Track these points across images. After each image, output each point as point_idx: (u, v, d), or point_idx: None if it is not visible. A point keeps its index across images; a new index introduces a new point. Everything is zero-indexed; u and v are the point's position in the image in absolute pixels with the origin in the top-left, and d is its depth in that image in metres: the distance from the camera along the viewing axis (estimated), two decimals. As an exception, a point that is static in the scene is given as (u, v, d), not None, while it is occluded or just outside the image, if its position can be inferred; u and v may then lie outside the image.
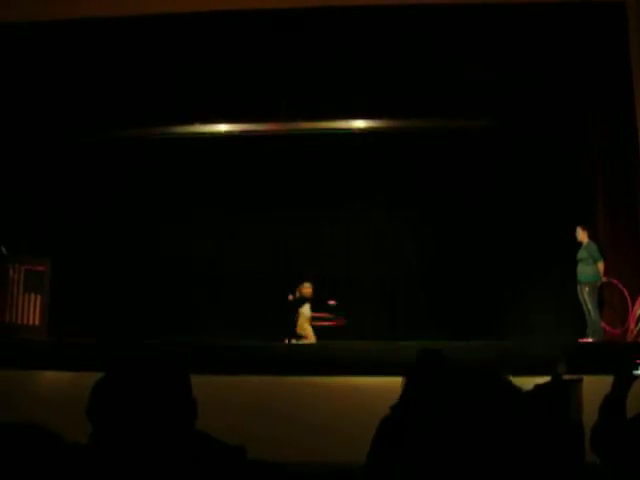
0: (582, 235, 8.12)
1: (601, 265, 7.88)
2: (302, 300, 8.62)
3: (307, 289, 8.66)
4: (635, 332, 7.46)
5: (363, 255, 10.21)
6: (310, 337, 8.52)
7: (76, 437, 1.61)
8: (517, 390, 1.26)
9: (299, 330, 8.52)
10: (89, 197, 10.31)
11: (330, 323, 8.71)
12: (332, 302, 8.69)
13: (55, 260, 8.61)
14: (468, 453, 1.15)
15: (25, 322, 8.15)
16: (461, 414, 1.18)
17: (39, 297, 8.28)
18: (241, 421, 5.38)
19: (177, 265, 10.25)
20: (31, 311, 8.22)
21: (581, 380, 5.17)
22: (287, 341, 8.35)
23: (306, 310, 8.62)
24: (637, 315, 7.44)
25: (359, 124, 9.99)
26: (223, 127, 10.15)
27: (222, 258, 10.43)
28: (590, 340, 7.67)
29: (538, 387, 3.00)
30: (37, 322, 8.23)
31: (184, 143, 10.32)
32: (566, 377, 4.38)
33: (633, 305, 7.65)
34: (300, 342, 8.36)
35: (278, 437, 5.39)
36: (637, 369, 1.90)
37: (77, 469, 1.50)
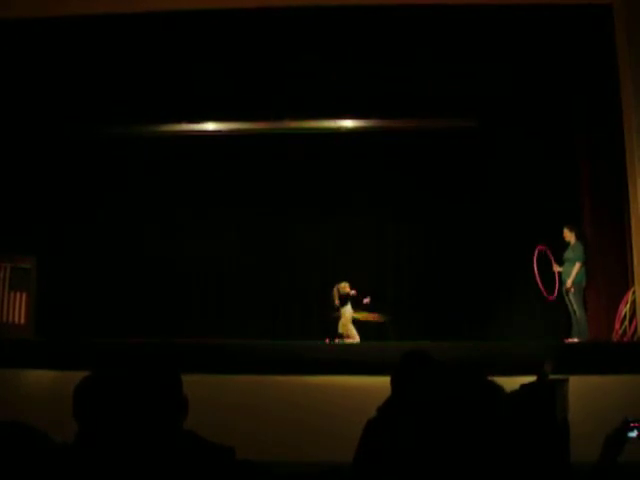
0: (569, 235, 8.17)
1: (578, 265, 7.94)
2: (344, 300, 8.52)
3: (347, 288, 8.56)
4: (620, 332, 7.52)
5: (351, 252, 10.21)
6: (354, 337, 8.40)
7: (63, 436, 1.60)
8: (500, 389, 1.27)
9: (342, 330, 8.41)
10: (78, 195, 10.23)
11: (373, 318, 8.59)
12: (367, 300, 8.59)
13: (42, 258, 8.53)
14: (453, 453, 1.16)
15: (11, 320, 8.08)
16: (445, 414, 1.19)
17: (25, 295, 8.21)
18: (230, 420, 5.37)
19: (165, 264, 10.20)
20: (17, 309, 8.15)
21: (567, 380, 5.21)
22: (330, 341, 8.22)
23: (348, 310, 8.52)
24: (622, 315, 7.49)
25: (348, 124, 9.99)
26: (212, 125, 10.12)
27: (210, 257, 10.39)
28: (576, 340, 7.72)
29: (524, 387, 3.02)
30: (23, 320, 8.17)
31: (171, 142, 10.27)
32: (552, 377, 4.41)
33: (618, 304, 7.70)
34: (344, 342, 8.24)
35: (267, 436, 5.38)
36: (631, 432, 1.91)
37: (64, 468, 1.50)
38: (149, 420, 1.55)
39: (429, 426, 1.19)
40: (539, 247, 8.31)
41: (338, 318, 8.56)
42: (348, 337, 8.38)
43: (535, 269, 8.24)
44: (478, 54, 8.35)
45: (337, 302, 8.53)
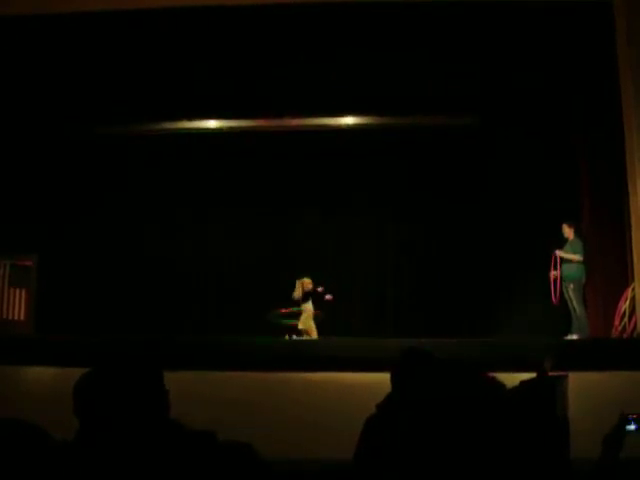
0: (568, 232, 8.20)
1: (578, 258, 7.97)
2: (306, 296, 8.55)
3: (310, 284, 8.59)
4: (619, 329, 7.53)
5: (351, 252, 10.20)
6: (313, 333, 8.44)
7: (63, 433, 1.60)
8: (501, 386, 1.27)
9: (302, 326, 8.45)
10: (78, 193, 10.22)
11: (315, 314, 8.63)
12: (329, 297, 8.61)
13: (43, 255, 8.53)
14: (453, 449, 1.16)
15: (10, 317, 8.10)
16: (446, 410, 1.19)
17: (25, 292, 8.22)
18: (229, 417, 5.37)
19: (165, 263, 10.20)
20: (17, 306, 8.17)
21: (567, 376, 5.22)
22: (288, 337, 8.27)
23: (309, 306, 8.55)
24: (622, 312, 7.50)
25: (348, 121, 9.98)
26: (212, 123, 10.11)
27: (210, 257, 10.39)
28: (575, 337, 7.73)
29: (524, 383, 3.01)
30: (22, 317, 8.18)
31: (171, 140, 10.26)
32: (552, 373, 4.41)
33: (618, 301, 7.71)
34: (301, 338, 8.28)
35: (267, 434, 5.38)
36: (630, 425, 1.91)
37: (64, 466, 1.49)
38: (148, 415, 1.55)
39: (429, 423, 1.19)
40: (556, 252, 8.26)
41: (298, 313, 8.60)
42: (308, 333, 8.42)
43: (551, 273, 8.22)
44: (477, 52, 8.34)
45: (298, 297, 8.55)
